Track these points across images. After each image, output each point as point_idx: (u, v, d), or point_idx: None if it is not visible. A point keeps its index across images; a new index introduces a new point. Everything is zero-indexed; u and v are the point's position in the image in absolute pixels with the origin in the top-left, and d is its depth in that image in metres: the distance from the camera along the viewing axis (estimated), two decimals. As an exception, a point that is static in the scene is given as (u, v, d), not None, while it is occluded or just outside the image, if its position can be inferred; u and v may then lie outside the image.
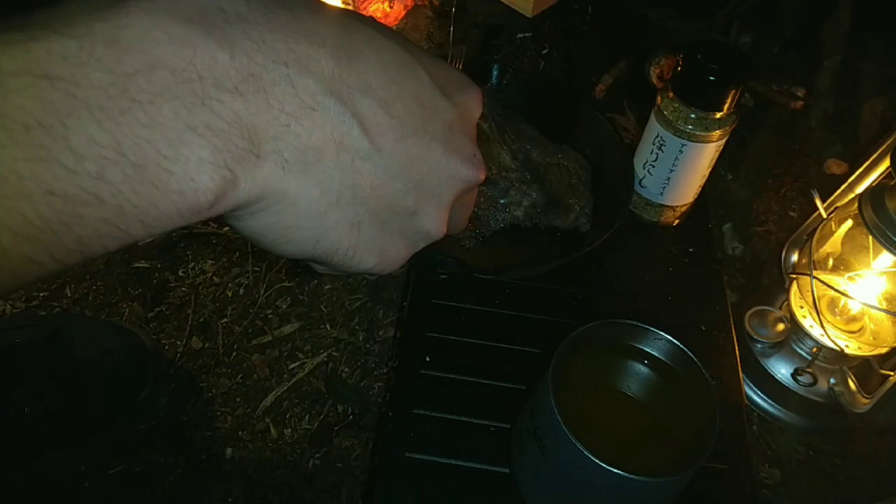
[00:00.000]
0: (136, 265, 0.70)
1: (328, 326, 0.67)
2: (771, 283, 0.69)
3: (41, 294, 0.67)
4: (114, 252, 0.20)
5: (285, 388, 0.63)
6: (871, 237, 0.52)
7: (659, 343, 0.42)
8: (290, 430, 0.60)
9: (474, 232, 0.58)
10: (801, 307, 0.60)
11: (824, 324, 0.56)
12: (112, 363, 0.60)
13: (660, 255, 0.62)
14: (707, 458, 0.36)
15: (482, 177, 0.28)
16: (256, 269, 0.70)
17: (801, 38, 0.94)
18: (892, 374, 0.52)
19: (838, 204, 0.59)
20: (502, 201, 0.57)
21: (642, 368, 0.43)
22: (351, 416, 0.61)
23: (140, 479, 0.57)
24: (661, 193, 0.60)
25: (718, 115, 0.53)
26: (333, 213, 0.24)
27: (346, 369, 0.64)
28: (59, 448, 0.56)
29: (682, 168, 0.57)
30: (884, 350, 0.56)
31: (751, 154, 0.83)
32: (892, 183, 0.51)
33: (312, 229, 0.24)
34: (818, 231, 0.58)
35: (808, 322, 0.59)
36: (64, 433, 0.56)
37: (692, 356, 0.40)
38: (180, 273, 0.70)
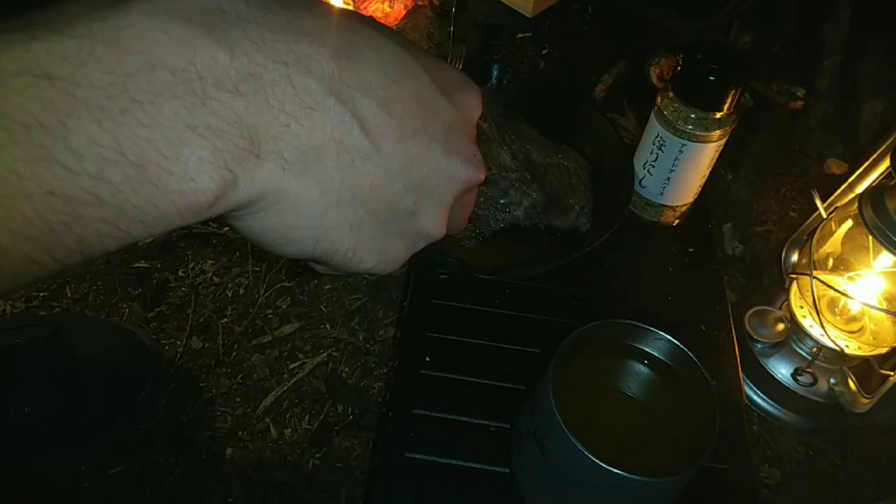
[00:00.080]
0: (136, 265, 0.70)
1: (328, 326, 0.67)
2: (771, 283, 0.69)
3: (41, 294, 0.67)
4: (114, 252, 0.20)
5: (285, 388, 0.63)
6: (871, 237, 0.52)
7: (659, 343, 0.42)
8: (290, 430, 0.60)
9: (474, 232, 0.57)
10: (801, 307, 0.60)
11: (824, 324, 0.56)
12: (112, 363, 0.60)
13: (660, 255, 0.62)
14: (707, 458, 0.36)
15: (482, 177, 0.28)
16: (256, 269, 0.70)
17: (801, 38, 0.94)
18: (892, 374, 0.52)
19: (838, 204, 0.59)
20: (502, 201, 0.57)
21: (642, 368, 0.43)
22: (351, 416, 0.61)
23: (140, 479, 0.57)
24: (661, 193, 0.60)
25: (718, 115, 0.53)
26: (333, 213, 0.24)
27: (346, 369, 0.64)
28: (59, 448, 0.56)
29: (682, 168, 0.57)
30: (884, 350, 0.56)
31: (751, 154, 0.83)
32: (892, 183, 0.51)
33: (312, 229, 0.24)
34: (818, 231, 0.58)
35: (808, 322, 0.59)
36: (64, 433, 0.56)
37: (692, 356, 0.40)
38: (180, 273, 0.70)
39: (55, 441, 0.56)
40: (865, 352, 0.56)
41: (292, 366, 0.64)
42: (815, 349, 0.59)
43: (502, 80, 0.66)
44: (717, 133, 0.54)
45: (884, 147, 0.55)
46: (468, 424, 0.49)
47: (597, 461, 0.35)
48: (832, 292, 0.56)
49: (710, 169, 0.58)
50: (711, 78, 0.51)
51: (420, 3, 0.96)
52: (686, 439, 0.40)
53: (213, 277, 0.70)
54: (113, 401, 0.59)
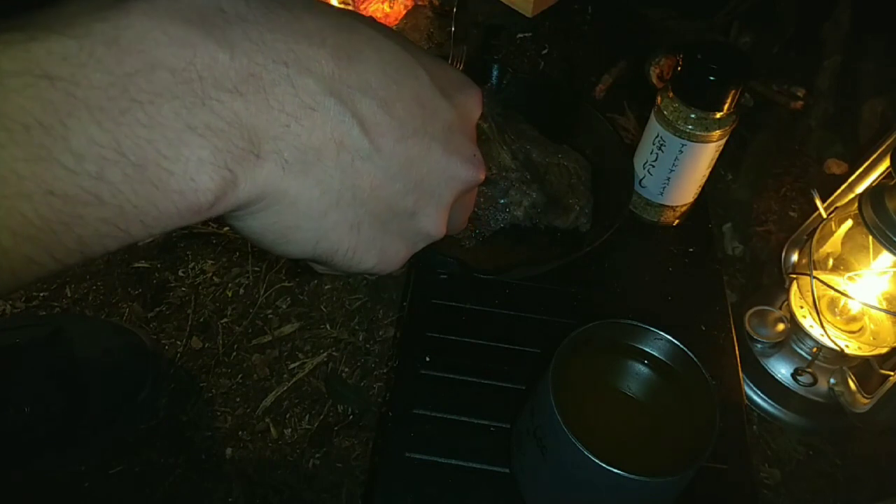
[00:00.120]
0: (136, 265, 0.70)
1: (328, 326, 0.67)
2: (771, 283, 0.69)
3: (41, 294, 0.67)
4: (114, 252, 0.20)
5: (285, 388, 0.63)
6: (871, 237, 0.52)
7: (659, 343, 0.42)
8: (290, 430, 0.60)
9: (474, 232, 0.58)
10: (801, 307, 0.60)
11: (824, 324, 0.56)
12: (112, 363, 0.60)
13: (660, 255, 0.62)
14: (707, 458, 0.36)
15: (482, 177, 0.28)
16: (256, 269, 0.70)
17: (801, 38, 0.94)
18: (892, 374, 0.52)
19: (838, 204, 0.59)
20: (502, 201, 0.57)
21: (642, 368, 0.43)
22: (351, 416, 0.61)
23: (140, 479, 0.57)
24: (661, 193, 0.60)
25: (718, 115, 0.53)
26: (333, 213, 0.24)
27: (346, 369, 0.64)
28: (59, 448, 0.56)
29: (682, 168, 0.57)
30: (884, 350, 0.56)
31: (751, 154, 0.83)
32: (892, 183, 0.51)
33: (312, 230, 0.24)
34: (818, 231, 0.58)
35: (808, 322, 0.59)
36: (64, 433, 0.56)
37: (692, 356, 0.40)
38: (180, 273, 0.70)
39: (55, 441, 0.56)
40: (865, 352, 0.56)
41: (292, 366, 0.64)
42: (815, 349, 0.59)
43: (502, 80, 0.66)
44: (717, 133, 0.54)
45: (884, 147, 0.55)
46: (468, 424, 0.49)
47: (597, 461, 0.35)
48: (832, 292, 0.56)
49: (710, 169, 0.58)
50: (711, 78, 0.51)
51: (420, 3, 0.97)
52: (686, 439, 0.40)
53: (213, 277, 0.70)
54: (113, 401, 0.59)
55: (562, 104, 0.66)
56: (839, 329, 0.58)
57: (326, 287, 0.70)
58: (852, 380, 0.56)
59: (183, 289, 0.69)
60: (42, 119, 0.17)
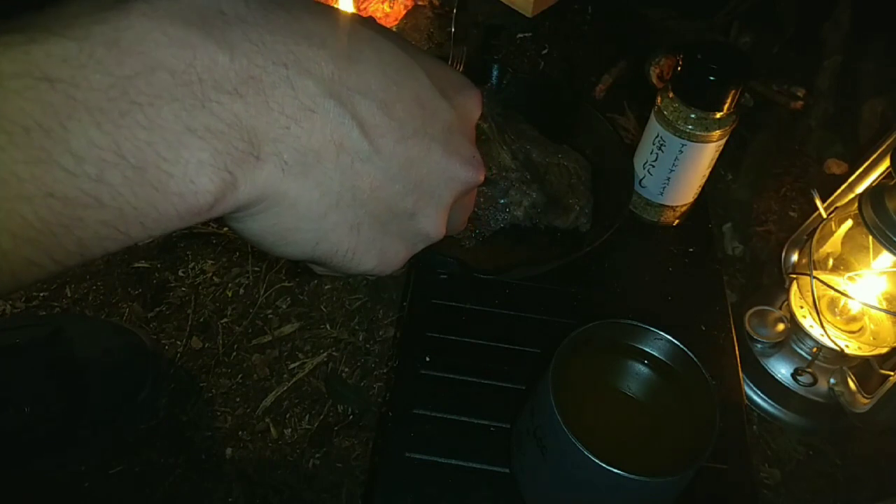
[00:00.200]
0: (136, 265, 0.70)
1: (328, 326, 0.67)
2: (771, 283, 0.69)
3: (41, 294, 0.67)
4: (113, 253, 0.20)
5: (285, 388, 0.63)
6: (871, 237, 0.52)
7: (659, 343, 0.42)
8: (290, 430, 0.60)
9: (474, 232, 0.58)
10: (801, 307, 0.60)
11: (824, 324, 0.56)
12: (112, 363, 0.60)
13: (660, 255, 0.62)
14: (707, 458, 0.36)
15: (481, 178, 0.28)
16: (256, 269, 0.71)
17: (801, 38, 0.94)
18: (892, 374, 0.53)
19: (838, 204, 0.59)
20: (502, 201, 0.57)
21: (642, 368, 0.43)
22: (351, 416, 0.61)
23: (140, 479, 0.57)
24: (661, 193, 0.60)
25: (718, 115, 0.53)
26: (333, 214, 0.24)
27: (346, 369, 0.64)
28: (59, 448, 0.56)
29: (682, 168, 0.57)
30: (884, 350, 0.56)
31: (751, 154, 0.83)
32: (892, 183, 0.51)
33: (312, 231, 0.24)
34: (818, 231, 0.58)
35: (808, 322, 0.59)
36: (64, 433, 0.56)
37: (692, 356, 0.40)
38: (180, 273, 0.70)
39: (55, 441, 0.56)
40: (865, 352, 0.56)
41: (292, 366, 0.64)
42: (815, 349, 0.59)
43: (502, 80, 0.66)
44: (717, 133, 0.54)
45: (884, 147, 0.55)
46: (468, 424, 0.49)
47: (597, 461, 0.35)
48: (832, 292, 0.56)
49: (710, 169, 0.58)
50: (711, 78, 0.51)
51: (420, 3, 0.96)
52: (686, 439, 0.40)
53: (213, 277, 0.70)
54: (113, 401, 0.59)
55: (562, 104, 0.66)
56: (839, 329, 0.58)
57: (326, 287, 0.70)
58: (852, 380, 0.56)
59: (183, 289, 0.69)
60: (42, 121, 0.17)
